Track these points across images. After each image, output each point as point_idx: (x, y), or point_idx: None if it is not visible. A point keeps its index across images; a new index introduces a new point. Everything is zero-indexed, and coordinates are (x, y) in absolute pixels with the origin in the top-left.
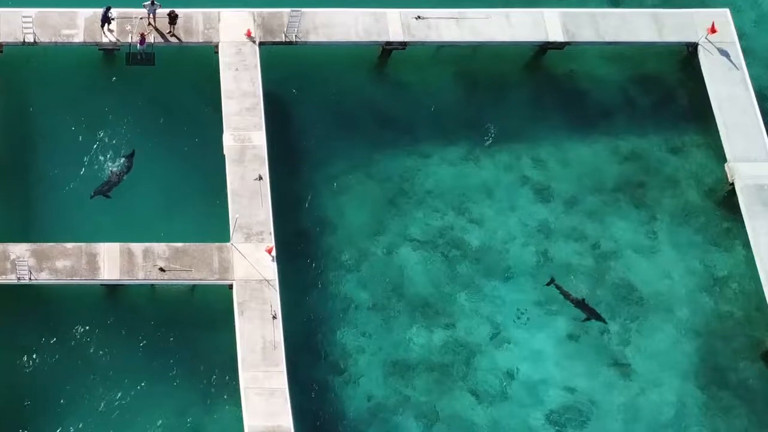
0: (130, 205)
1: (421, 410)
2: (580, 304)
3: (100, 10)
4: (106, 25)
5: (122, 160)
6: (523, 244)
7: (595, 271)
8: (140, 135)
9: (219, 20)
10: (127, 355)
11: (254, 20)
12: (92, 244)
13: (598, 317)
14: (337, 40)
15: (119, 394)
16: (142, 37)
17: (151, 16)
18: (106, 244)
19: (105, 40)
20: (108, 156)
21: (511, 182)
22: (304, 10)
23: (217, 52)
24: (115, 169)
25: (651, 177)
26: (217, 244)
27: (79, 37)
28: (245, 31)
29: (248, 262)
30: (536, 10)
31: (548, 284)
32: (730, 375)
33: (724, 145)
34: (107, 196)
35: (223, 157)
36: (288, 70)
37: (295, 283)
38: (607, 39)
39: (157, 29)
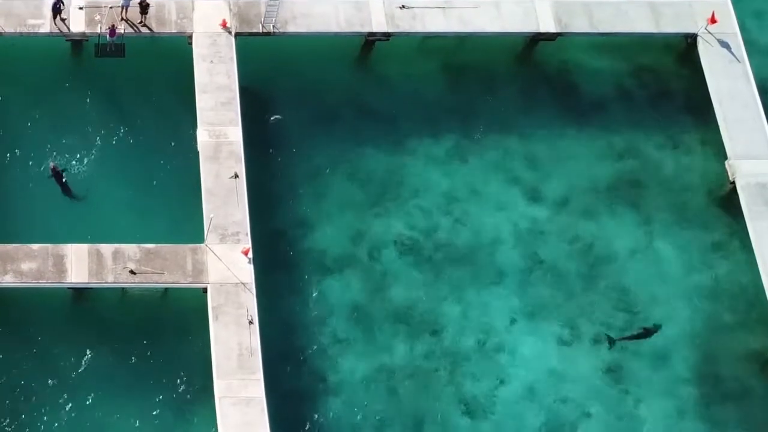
0: (99, 204)
1: (406, 421)
2: (645, 334)
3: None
4: (58, 15)
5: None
6: (512, 246)
7: (589, 274)
8: (110, 130)
9: (193, 10)
10: (96, 363)
11: (230, 10)
12: (59, 245)
13: (657, 328)
14: (318, 30)
15: (87, 404)
16: (112, 27)
17: (124, 9)
18: (73, 245)
19: (65, 30)
20: (76, 152)
21: (501, 181)
22: None
23: (190, 44)
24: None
25: (647, 175)
26: (190, 245)
27: (45, 28)
28: (220, 22)
29: (223, 264)
30: None
31: (611, 345)
32: (730, 383)
33: (724, 142)
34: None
35: (197, 153)
36: (266, 63)
37: (273, 287)
38: (602, 30)
39: (128, 21)
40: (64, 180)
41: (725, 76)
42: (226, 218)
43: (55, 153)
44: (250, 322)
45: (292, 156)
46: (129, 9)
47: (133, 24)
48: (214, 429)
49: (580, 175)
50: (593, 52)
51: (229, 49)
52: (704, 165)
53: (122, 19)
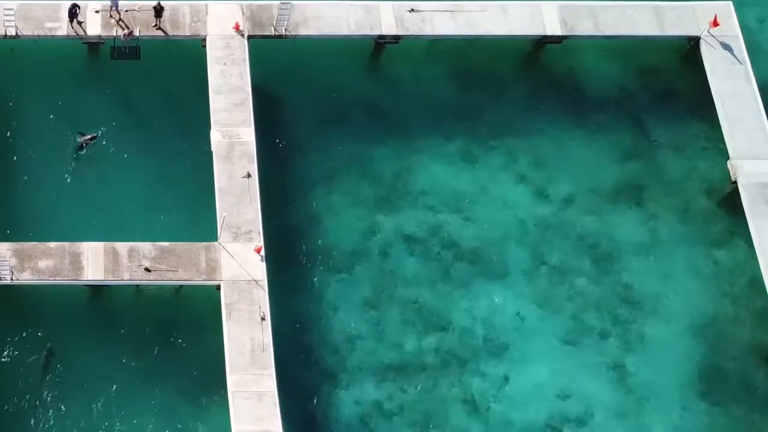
0: (115, 203)
1: (414, 415)
2: None
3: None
4: (75, 19)
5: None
6: (519, 244)
7: (594, 272)
8: (125, 131)
9: (206, 13)
10: (112, 358)
11: (243, 13)
12: (76, 243)
13: None
14: (328, 33)
15: (103, 399)
16: (129, 30)
17: (113, 9)
18: (90, 243)
19: (82, 33)
20: (91, 152)
21: (508, 180)
22: (294, 2)
23: (204, 46)
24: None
25: (651, 175)
26: (204, 243)
27: (62, 31)
28: (233, 24)
29: (236, 262)
30: (533, 3)
31: None
32: (732, 379)
33: (726, 142)
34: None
35: (210, 153)
36: (277, 65)
37: (285, 284)
38: (607, 33)
39: (119, 22)
40: (87, 142)
41: (727, 78)
42: (239, 217)
43: (73, 154)
44: (263, 319)
45: (303, 156)
46: (144, 12)
47: (125, 24)
48: (227, 423)
49: (585, 174)
50: (598, 55)
51: (242, 51)
52: (707, 165)
53: (110, 17)
